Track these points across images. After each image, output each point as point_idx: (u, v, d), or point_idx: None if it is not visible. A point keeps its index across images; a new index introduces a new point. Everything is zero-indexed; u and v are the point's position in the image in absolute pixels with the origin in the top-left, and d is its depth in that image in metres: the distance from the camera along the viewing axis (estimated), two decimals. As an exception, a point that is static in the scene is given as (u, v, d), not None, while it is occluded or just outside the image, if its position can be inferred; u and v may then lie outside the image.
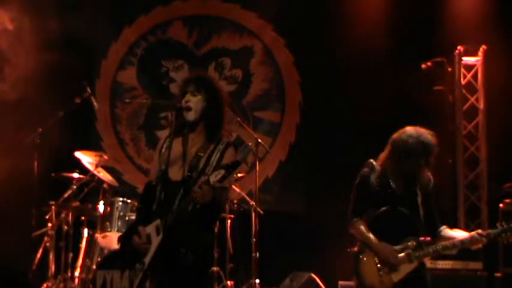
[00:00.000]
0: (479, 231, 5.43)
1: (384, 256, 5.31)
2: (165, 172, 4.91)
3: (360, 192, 5.48)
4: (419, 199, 5.41)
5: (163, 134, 5.27)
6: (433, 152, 5.44)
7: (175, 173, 4.91)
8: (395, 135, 5.47)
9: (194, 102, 4.93)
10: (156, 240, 4.81)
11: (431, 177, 5.49)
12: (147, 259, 4.83)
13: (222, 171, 4.64)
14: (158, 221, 4.83)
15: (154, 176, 5.07)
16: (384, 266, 5.32)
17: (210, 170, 4.82)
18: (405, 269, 5.29)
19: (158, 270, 4.84)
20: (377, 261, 5.34)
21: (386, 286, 5.30)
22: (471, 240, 5.36)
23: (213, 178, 4.66)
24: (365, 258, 5.38)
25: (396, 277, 5.30)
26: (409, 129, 5.43)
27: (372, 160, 5.54)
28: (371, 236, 5.33)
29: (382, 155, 5.51)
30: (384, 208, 5.37)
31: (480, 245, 5.42)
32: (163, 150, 5.01)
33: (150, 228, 4.87)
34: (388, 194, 5.40)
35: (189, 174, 4.87)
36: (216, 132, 4.96)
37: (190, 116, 4.93)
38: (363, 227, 5.37)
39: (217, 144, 4.93)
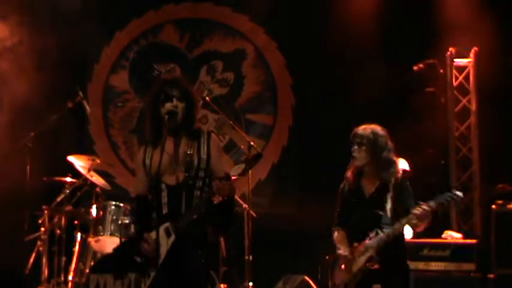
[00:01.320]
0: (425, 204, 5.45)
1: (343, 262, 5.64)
2: (158, 181, 4.92)
3: (336, 203, 5.82)
4: (388, 196, 5.47)
5: (141, 149, 5.20)
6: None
7: (170, 178, 4.94)
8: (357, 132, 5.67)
9: (180, 108, 4.98)
10: (166, 242, 4.84)
11: (400, 170, 5.61)
12: (159, 262, 4.86)
13: (243, 165, 4.71)
14: (168, 224, 4.86)
15: (141, 189, 5.09)
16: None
17: (204, 164, 4.91)
18: (362, 259, 5.52)
19: (170, 271, 4.86)
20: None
21: (347, 277, 5.58)
22: (418, 213, 5.38)
23: (234, 172, 4.71)
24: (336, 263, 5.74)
25: (355, 267, 5.55)
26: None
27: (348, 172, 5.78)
28: (340, 242, 5.69)
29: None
30: (358, 213, 5.59)
31: (426, 217, 5.47)
32: (147, 160, 5.02)
33: (157, 233, 4.89)
34: (359, 200, 5.61)
35: (187, 174, 4.89)
36: (193, 131, 5.03)
37: (175, 120, 4.97)
38: (336, 235, 5.74)
39: (200, 137, 5.01)
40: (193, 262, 4.89)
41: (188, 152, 4.95)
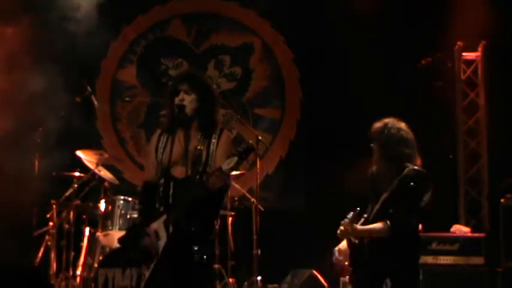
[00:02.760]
0: None
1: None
2: (167, 171, 4.94)
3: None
4: (384, 195, 5.32)
5: (155, 135, 5.24)
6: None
7: (179, 171, 4.97)
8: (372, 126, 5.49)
9: (188, 101, 5.01)
10: (166, 235, 4.85)
11: (410, 168, 5.24)
12: (158, 253, 4.88)
13: (235, 158, 4.70)
14: (165, 216, 4.87)
15: (152, 175, 5.12)
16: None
17: (212, 161, 4.94)
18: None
19: (169, 265, 4.86)
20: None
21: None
22: None
23: (226, 166, 4.71)
24: None
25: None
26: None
27: None
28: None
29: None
30: (370, 208, 5.42)
31: None
32: (159, 148, 5.06)
33: (157, 225, 4.91)
34: (371, 196, 5.46)
35: (194, 170, 4.92)
36: (211, 130, 5.05)
37: (185, 114, 4.99)
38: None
39: (212, 134, 5.05)
40: (193, 257, 4.90)
41: (198, 147, 4.97)
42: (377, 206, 5.22)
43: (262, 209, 8.27)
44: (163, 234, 4.88)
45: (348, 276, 5.76)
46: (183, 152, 4.97)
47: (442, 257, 7.61)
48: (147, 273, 4.93)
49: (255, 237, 8.17)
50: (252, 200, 8.27)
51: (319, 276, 8.21)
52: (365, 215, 5.62)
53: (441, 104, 9.00)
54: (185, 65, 9.85)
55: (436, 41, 9.01)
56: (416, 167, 5.21)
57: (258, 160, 8.36)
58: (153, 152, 5.11)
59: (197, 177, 4.94)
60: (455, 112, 9.06)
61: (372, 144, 5.43)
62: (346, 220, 5.13)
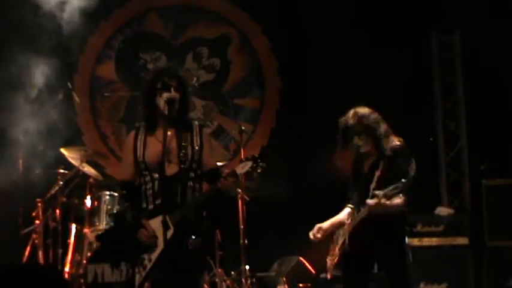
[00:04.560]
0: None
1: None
2: (162, 168, 4.94)
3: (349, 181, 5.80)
4: (377, 174, 5.48)
5: (131, 135, 5.23)
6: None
7: (167, 168, 4.96)
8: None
9: (177, 97, 5.01)
10: (164, 235, 4.84)
11: (393, 145, 5.50)
12: (156, 254, 4.90)
13: (250, 163, 4.72)
14: (164, 216, 4.86)
15: (129, 174, 5.12)
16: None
17: (197, 156, 4.97)
18: (339, 241, 5.70)
19: (167, 260, 4.89)
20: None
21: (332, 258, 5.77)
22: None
23: (240, 170, 4.74)
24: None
25: (335, 250, 5.76)
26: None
27: None
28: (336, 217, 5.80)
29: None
30: (358, 191, 5.63)
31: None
32: (139, 147, 5.04)
33: (154, 223, 4.92)
34: (358, 178, 5.66)
35: (182, 166, 4.93)
36: (190, 127, 5.09)
37: (174, 111, 5.00)
38: (343, 211, 5.79)
39: (192, 129, 5.08)
40: (192, 248, 4.94)
41: (183, 144, 4.99)
42: (373, 185, 5.42)
43: (247, 199, 8.31)
44: (160, 235, 4.87)
45: (330, 259, 5.85)
46: (172, 150, 4.97)
47: (427, 239, 7.71)
48: (142, 272, 4.95)
49: (241, 226, 8.20)
50: (237, 189, 8.30)
51: (306, 263, 8.27)
52: (349, 205, 5.75)
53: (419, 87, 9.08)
54: (163, 58, 9.83)
55: (414, 25, 9.06)
56: (396, 143, 5.49)
57: (242, 150, 8.38)
58: (131, 152, 5.07)
59: (191, 174, 4.97)
60: (434, 94, 9.14)
61: (356, 137, 5.56)
62: (381, 192, 5.30)
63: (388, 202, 5.33)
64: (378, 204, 5.33)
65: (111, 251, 5.55)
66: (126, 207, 5.14)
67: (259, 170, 4.82)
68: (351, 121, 5.59)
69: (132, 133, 5.15)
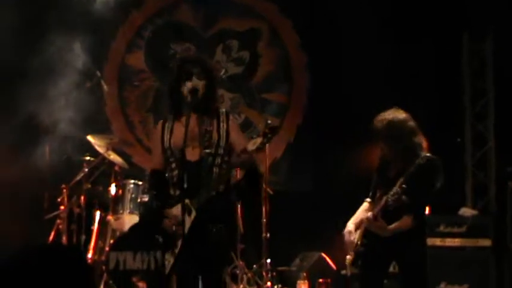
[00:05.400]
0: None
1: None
2: (179, 155, 4.98)
3: (373, 177, 5.72)
4: (401, 180, 5.44)
5: (159, 124, 5.30)
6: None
7: (191, 154, 5.01)
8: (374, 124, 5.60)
9: (201, 85, 5.05)
10: (188, 220, 4.90)
11: (423, 156, 5.41)
12: (180, 240, 4.93)
13: (260, 139, 4.75)
14: (186, 201, 4.91)
15: (159, 163, 5.17)
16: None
17: (223, 142, 5.01)
18: (355, 241, 5.60)
19: (193, 246, 4.93)
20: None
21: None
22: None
23: (251, 146, 4.76)
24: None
25: (351, 247, 5.63)
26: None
27: None
28: (355, 214, 5.68)
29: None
30: (380, 192, 5.55)
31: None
32: (166, 135, 5.10)
33: (176, 210, 4.95)
34: (383, 180, 5.58)
35: (206, 151, 4.96)
36: (216, 113, 5.13)
37: (198, 98, 5.04)
38: (361, 207, 5.69)
39: (219, 116, 5.11)
40: (215, 236, 4.97)
41: (208, 129, 5.03)
42: (395, 190, 5.34)
43: (271, 193, 8.32)
44: (184, 219, 4.91)
45: (349, 257, 5.84)
46: (195, 135, 5.02)
47: (449, 239, 7.67)
48: (170, 258, 4.98)
49: (264, 220, 8.22)
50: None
51: (327, 259, 8.28)
52: (368, 199, 5.73)
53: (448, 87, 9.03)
54: (193, 49, 9.86)
55: (443, 28, 9.01)
56: (428, 155, 5.38)
57: (267, 144, 8.37)
58: (159, 141, 5.14)
59: (217, 160, 5.00)
60: (463, 96, 9.08)
61: (374, 137, 5.54)
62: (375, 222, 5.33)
63: (390, 226, 5.33)
64: (371, 223, 5.38)
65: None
66: (152, 197, 5.19)
67: (267, 144, 4.91)
68: (379, 125, 5.53)
69: (161, 122, 5.22)
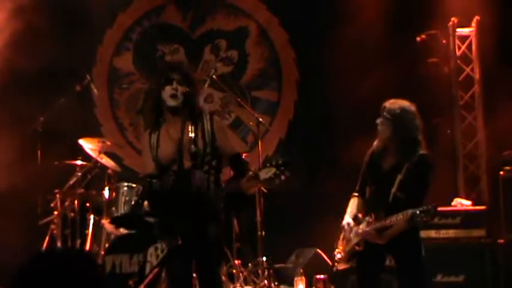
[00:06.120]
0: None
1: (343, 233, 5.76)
2: (180, 162, 5.00)
3: (361, 171, 5.78)
4: (399, 177, 5.48)
5: (145, 135, 5.30)
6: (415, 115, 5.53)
7: (186, 162, 5.02)
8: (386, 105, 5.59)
9: (180, 91, 5.04)
10: (178, 232, 4.93)
11: (422, 154, 5.50)
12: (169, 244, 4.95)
13: (273, 169, 4.74)
14: (181, 206, 4.93)
15: (151, 169, 5.15)
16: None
17: (209, 147, 4.99)
18: (354, 240, 5.66)
19: (187, 245, 4.95)
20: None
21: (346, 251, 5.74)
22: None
23: (264, 175, 4.76)
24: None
25: (348, 246, 5.70)
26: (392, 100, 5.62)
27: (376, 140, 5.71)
28: (348, 210, 5.76)
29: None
30: (373, 186, 5.61)
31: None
32: (153, 145, 5.09)
33: (172, 213, 4.97)
34: (376, 173, 5.61)
35: (194, 162, 4.98)
36: (199, 118, 5.11)
37: (175, 103, 5.04)
38: (351, 202, 5.78)
39: (202, 119, 5.11)
40: (210, 238, 4.98)
41: (193, 138, 5.01)
42: (394, 189, 5.42)
43: (265, 191, 8.33)
44: (178, 230, 4.93)
45: (338, 252, 5.87)
46: (179, 143, 5.02)
47: (444, 231, 7.69)
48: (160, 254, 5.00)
49: (259, 218, 8.23)
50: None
51: (323, 255, 8.29)
52: (355, 194, 5.76)
53: (437, 80, 9.05)
54: (181, 50, 9.88)
55: (430, 18, 9.04)
56: (426, 153, 5.48)
57: (260, 142, 8.41)
58: (148, 150, 5.13)
59: (205, 167, 5.00)
60: (451, 88, 9.11)
61: (379, 120, 5.54)
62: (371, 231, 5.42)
63: (386, 233, 5.41)
64: (369, 236, 5.45)
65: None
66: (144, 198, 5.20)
67: (282, 178, 4.82)
68: (391, 106, 5.53)
69: (147, 132, 5.20)
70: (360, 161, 5.94)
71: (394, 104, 5.54)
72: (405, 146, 5.47)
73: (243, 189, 4.89)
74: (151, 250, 5.00)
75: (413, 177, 5.40)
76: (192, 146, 4.96)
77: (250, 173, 4.88)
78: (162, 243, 4.95)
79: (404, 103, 5.57)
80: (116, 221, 5.52)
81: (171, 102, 5.01)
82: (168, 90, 5.02)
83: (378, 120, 5.57)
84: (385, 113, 5.52)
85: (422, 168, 5.45)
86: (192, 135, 5.01)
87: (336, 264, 5.89)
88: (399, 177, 5.42)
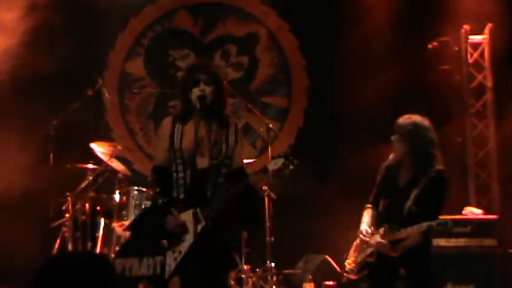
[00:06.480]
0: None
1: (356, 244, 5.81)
2: (188, 160, 4.99)
3: (376, 183, 5.81)
4: (415, 192, 5.48)
5: (168, 121, 5.30)
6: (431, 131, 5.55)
7: (200, 161, 5.02)
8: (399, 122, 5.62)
9: (208, 91, 5.06)
10: (195, 228, 4.90)
11: (438, 169, 5.52)
12: (186, 246, 4.93)
13: (282, 160, 4.76)
14: (197, 210, 4.91)
15: (163, 159, 5.15)
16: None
17: (231, 152, 5.03)
18: (366, 251, 5.70)
19: (197, 253, 4.95)
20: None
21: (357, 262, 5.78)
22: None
23: (272, 166, 4.78)
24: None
25: (360, 256, 5.74)
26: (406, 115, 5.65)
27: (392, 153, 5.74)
28: (363, 219, 5.78)
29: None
30: (388, 199, 5.61)
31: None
32: (176, 135, 5.09)
33: (186, 216, 4.96)
34: (391, 186, 5.62)
35: (214, 161, 4.97)
36: (225, 122, 5.14)
37: (205, 104, 5.04)
38: (365, 213, 5.81)
39: (229, 127, 5.12)
40: (220, 243, 4.99)
41: (218, 140, 5.04)
42: (409, 203, 5.45)
43: (274, 197, 8.33)
44: (191, 227, 4.93)
45: (348, 262, 5.89)
46: (203, 143, 5.02)
47: (454, 240, 7.66)
48: (171, 262, 4.98)
49: (267, 224, 8.24)
50: (264, 187, 8.32)
51: (332, 261, 8.28)
52: (369, 205, 5.76)
53: (448, 88, 9.04)
54: (192, 55, 9.90)
55: (442, 25, 9.04)
56: (442, 168, 5.50)
57: (269, 148, 8.42)
58: (167, 138, 5.13)
59: (223, 170, 5.01)
60: (463, 95, 9.09)
61: (394, 137, 5.55)
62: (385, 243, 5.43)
63: (400, 245, 5.44)
64: (383, 248, 5.48)
65: (140, 239, 5.58)
66: (156, 192, 5.20)
67: (291, 167, 4.85)
68: (405, 122, 5.57)
69: (169, 119, 5.21)
70: (369, 168, 5.95)
71: (406, 120, 5.58)
72: (421, 161, 5.49)
73: (251, 183, 4.90)
74: (169, 253, 4.99)
75: (429, 193, 5.43)
76: (214, 148, 4.97)
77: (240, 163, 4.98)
78: (178, 246, 4.96)
79: (417, 118, 5.59)
80: (132, 228, 5.49)
81: (199, 103, 5.02)
82: (195, 92, 5.04)
83: (393, 138, 5.60)
84: (398, 130, 5.55)
85: (439, 184, 5.48)
86: (216, 137, 5.04)
87: (345, 274, 5.90)
88: (415, 191, 5.44)
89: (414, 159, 5.52)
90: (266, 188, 8.28)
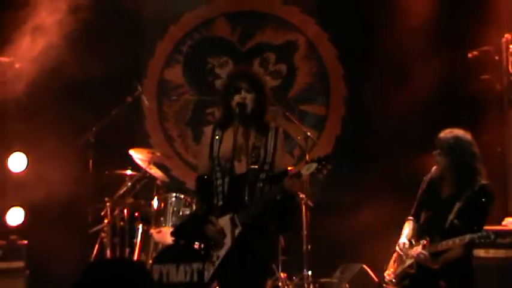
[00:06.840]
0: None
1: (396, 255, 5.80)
2: (231, 166, 5.01)
3: (418, 195, 5.83)
4: (458, 205, 5.45)
5: (209, 129, 5.35)
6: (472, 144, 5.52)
7: (237, 166, 5.05)
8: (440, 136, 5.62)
9: (249, 99, 5.07)
10: (232, 232, 4.92)
11: (483, 183, 5.51)
12: (223, 251, 4.95)
13: (315, 165, 4.78)
14: (234, 215, 4.93)
15: (205, 169, 5.20)
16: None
17: (269, 158, 5.03)
18: (407, 262, 5.70)
19: (235, 259, 4.96)
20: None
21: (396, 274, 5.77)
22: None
23: (305, 171, 4.80)
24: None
25: (400, 267, 5.75)
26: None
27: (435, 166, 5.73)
28: (403, 232, 5.81)
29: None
30: (430, 212, 5.58)
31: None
32: (215, 142, 5.13)
33: (223, 222, 4.98)
34: (433, 200, 5.59)
35: (252, 166, 4.99)
36: (266, 128, 5.16)
37: (245, 112, 5.06)
38: (406, 225, 5.83)
39: (268, 133, 5.14)
40: (258, 250, 4.99)
41: (256, 145, 5.05)
42: (451, 216, 5.47)
43: (311, 205, 8.33)
44: (228, 232, 4.95)
45: (388, 274, 5.87)
46: (241, 149, 5.05)
47: (493, 250, 7.58)
48: (210, 268, 5.01)
49: (304, 232, 8.24)
50: (302, 195, 8.32)
51: (369, 271, 8.25)
52: (410, 217, 5.73)
53: (489, 98, 8.96)
54: (230, 63, 9.95)
55: (483, 34, 8.96)
56: (486, 182, 5.53)
57: (307, 156, 8.42)
58: (208, 146, 5.19)
59: (262, 175, 5.03)
60: (503, 105, 9.00)
61: (435, 152, 5.54)
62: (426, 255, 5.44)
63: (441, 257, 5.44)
64: (423, 259, 5.46)
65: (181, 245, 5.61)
66: (197, 201, 5.24)
67: (324, 172, 4.86)
68: (447, 136, 5.58)
69: (210, 127, 5.27)
70: (408, 176, 5.93)
71: (448, 134, 5.58)
72: (464, 175, 5.49)
73: (286, 188, 4.90)
74: (208, 259, 5.02)
75: (472, 207, 5.42)
76: (253, 153, 4.99)
77: (283, 169, 4.99)
78: (216, 252, 4.98)
79: (459, 132, 5.59)
80: (176, 234, 5.54)
81: (239, 111, 5.05)
82: (236, 100, 5.07)
83: (435, 152, 5.59)
84: (440, 144, 5.54)
85: (483, 199, 5.49)
86: (256, 142, 5.06)
87: (385, 285, 5.88)
88: (458, 205, 5.43)
89: (457, 173, 5.50)
90: (303, 196, 8.28)
